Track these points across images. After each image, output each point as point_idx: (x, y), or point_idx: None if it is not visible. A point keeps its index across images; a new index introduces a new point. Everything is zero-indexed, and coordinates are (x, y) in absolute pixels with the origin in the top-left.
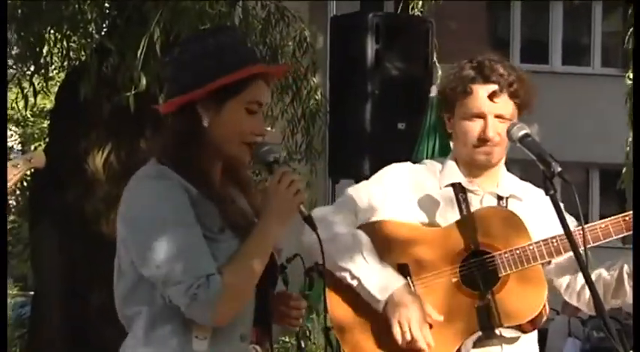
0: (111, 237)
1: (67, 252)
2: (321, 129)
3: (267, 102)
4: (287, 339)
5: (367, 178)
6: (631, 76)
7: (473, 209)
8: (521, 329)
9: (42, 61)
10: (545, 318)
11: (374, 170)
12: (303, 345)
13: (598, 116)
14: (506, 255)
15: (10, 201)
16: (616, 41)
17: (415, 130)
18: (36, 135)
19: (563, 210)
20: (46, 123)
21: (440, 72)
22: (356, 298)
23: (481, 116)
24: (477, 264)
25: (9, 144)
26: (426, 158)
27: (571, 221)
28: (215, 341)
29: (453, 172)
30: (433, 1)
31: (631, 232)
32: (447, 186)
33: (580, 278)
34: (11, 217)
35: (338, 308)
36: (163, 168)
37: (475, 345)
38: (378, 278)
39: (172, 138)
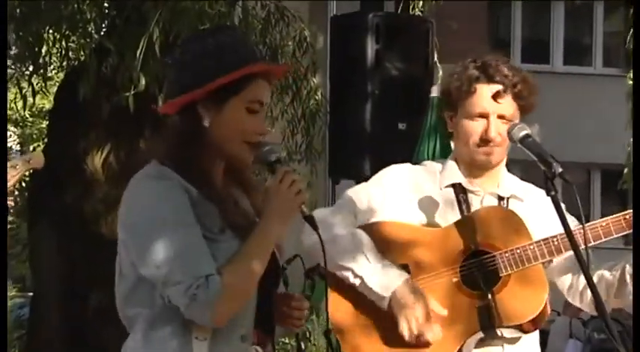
0: (110, 237)
1: (66, 253)
2: (321, 129)
3: (268, 102)
4: (287, 341)
5: (367, 179)
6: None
7: (473, 209)
8: (522, 329)
9: (41, 60)
10: (546, 318)
11: (374, 170)
12: (303, 347)
13: (599, 116)
14: (506, 255)
15: (9, 202)
16: (617, 41)
17: (416, 131)
18: (35, 136)
19: (565, 211)
20: (44, 124)
21: (441, 72)
22: (356, 300)
23: (484, 116)
24: (478, 264)
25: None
26: (427, 158)
27: (572, 221)
28: (215, 342)
29: (453, 172)
30: (433, 1)
31: (632, 230)
32: (447, 186)
33: (582, 279)
34: (10, 218)
35: (338, 309)
36: (163, 169)
37: (476, 345)
38: (381, 275)
39: (173, 138)
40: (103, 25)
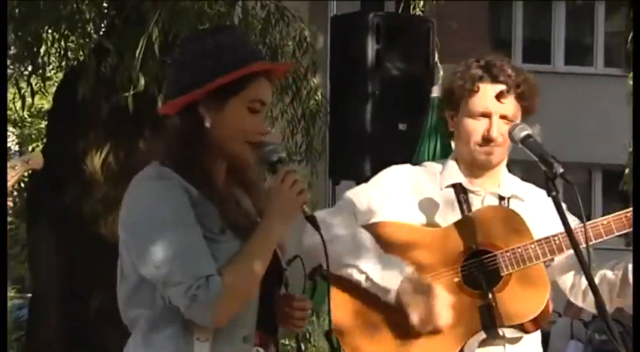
0: (109, 238)
1: (65, 254)
2: (321, 129)
3: (269, 101)
4: (287, 342)
5: (368, 179)
6: None
7: (474, 209)
8: (524, 329)
9: (39, 60)
10: (549, 318)
11: (375, 171)
12: (303, 348)
13: (600, 116)
14: (507, 254)
15: (8, 203)
16: (619, 41)
17: (416, 131)
18: (33, 136)
19: (566, 211)
20: (43, 124)
21: (441, 72)
22: (356, 301)
23: (487, 115)
24: (479, 264)
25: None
26: (427, 159)
27: (573, 221)
28: (217, 343)
29: (453, 172)
30: (434, 1)
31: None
32: (447, 186)
33: (585, 279)
34: (9, 218)
35: (338, 311)
36: (164, 169)
37: (478, 345)
38: (386, 269)
39: (174, 139)
40: (102, 25)
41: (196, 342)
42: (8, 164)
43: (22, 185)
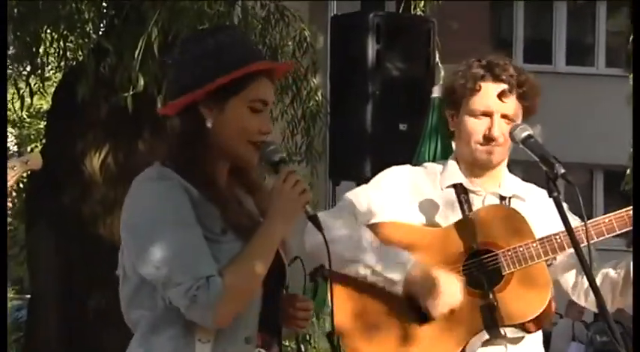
0: (108, 238)
1: (64, 254)
2: (321, 130)
3: (272, 101)
4: (287, 343)
5: (368, 180)
6: None
7: (475, 209)
8: (525, 328)
9: (38, 61)
10: (551, 318)
11: (375, 172)
12: (303, 349)
13: (602, 117)
14: (509, 253)
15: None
16: (620, 41)
17: (417, 131)
18: (32, 137)
19: (567, 210)
20: (42, 124)
21: (442, 72)
22: (356, 303)
23: (488, 114)
24: (480, 263)
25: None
26: (428, 160)
27: (575, 221)
28: (219, 344)
29: (454, 172)
30: (435, 1)
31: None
32: (448, 187)
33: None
34: (7, 219)
35: (338, 313)
36: (164, 170)
37: (480, 345)
38: (391, 260)
39: (175, 139)
40: (101, 25)
41: (198, 343)
42: (7, 164)
43: (21, 186)
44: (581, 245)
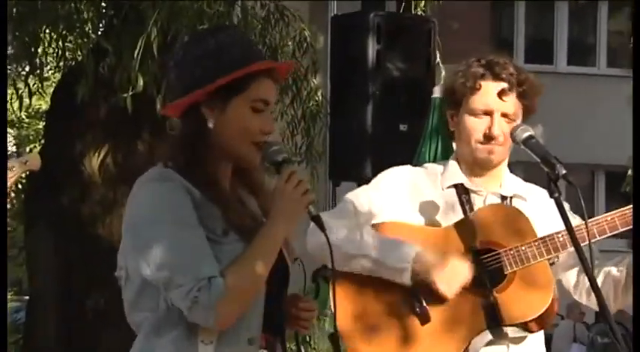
0: (107, 239)
1: (63, 255)
2: (321, 130)
3: (274, 101)
4: (287, 344)
5: (369, 181)
6: None
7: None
8: (528, 328)
9: (37, 61)
10: (553, 317)
11: (375, 172)
12: (303, 350)
13: (603, 117)
14: (511, 252)
15: None
16: (622, 41)
17: (417, 132)
18: (31, 137)
19: (569, 210)
20: (41, 125)
21: (443, 72)
22: (356, 304)
23: (488, 113)
24: (483, 262)
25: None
26: (429, 160)
27: (575, 219)
28: (221, 345)
29: (454, 173)
30: (435, 1)
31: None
32: (449, 187)
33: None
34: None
35: (338, 314)
36: (166, 171)
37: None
38: (396, 250)
39: (177, 140)
40: (101, 25)
41: (200, 345)
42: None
43: (20, 186)
44: (584, 244)
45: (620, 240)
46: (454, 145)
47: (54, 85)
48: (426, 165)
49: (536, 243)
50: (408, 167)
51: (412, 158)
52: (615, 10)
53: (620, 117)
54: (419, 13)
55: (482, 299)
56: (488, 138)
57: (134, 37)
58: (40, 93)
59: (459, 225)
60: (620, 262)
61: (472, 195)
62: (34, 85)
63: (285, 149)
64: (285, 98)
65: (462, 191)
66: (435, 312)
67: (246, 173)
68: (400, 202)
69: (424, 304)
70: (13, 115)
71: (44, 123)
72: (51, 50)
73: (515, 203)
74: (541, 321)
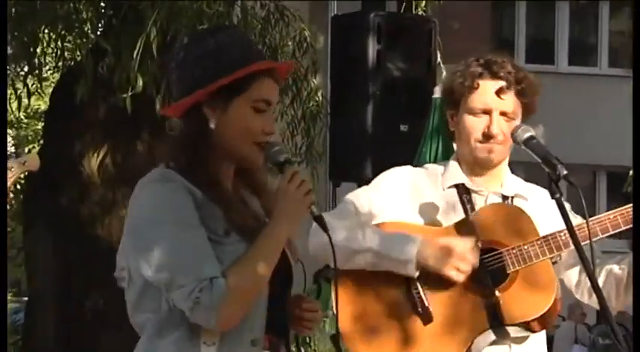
0: (106, 239)
1: (62, 256)
2: (321, 131)
3: (275, 101)
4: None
5: (369, 181)
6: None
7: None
8: (530, 328)
9: (36, 61)
10: (556, 317)
11: (376, 173)
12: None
13: (605, 117)
14: (514, 251)
15: None
16: (623, 41)
17: (418, 132)
18: (30, 138)
19: (570, 210)
20: (40, 125)
21: (444, 72)
22: (356, 306)
23: (487, 112)
24: (485, 262)
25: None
26: (429, 161)
27: (577, 218)
28: (224, 346)
29: (455, 173)
30: (436, 1)
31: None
32: (450, 187)
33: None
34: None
35: (338, 315)
36: (168, 172)
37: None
38: (399, 242)
39: (179, 141)
40: (100, 25)
41: (203, 346)
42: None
43: (19, 187)
44: (584, 243)
45: (620, 240)
46: (455, 146)
47: (53, 85)
48: (426, 165)
49: (539, 242)
50: (409, 167)
51: (413, 158)
52: (616, 10)
53: (621, 118)
54: (419, 13)
55: (484, 298)
56: (487, 136)
57: (133, 37)
58: (39, 93)
59: (459, 225)
60: (622, 260)
61: (473, 195)
62: (32, 85)
63: (286, 149)
64: (285, 98)
65: (463, 191)
66: (436, 313)
67: (249, 173)
68: (401, 203)
69: (426, 303)
70: (12, 116)
71: (43, 124)
72: (50, 50)
73: (517, 203)
74: (543, 321)
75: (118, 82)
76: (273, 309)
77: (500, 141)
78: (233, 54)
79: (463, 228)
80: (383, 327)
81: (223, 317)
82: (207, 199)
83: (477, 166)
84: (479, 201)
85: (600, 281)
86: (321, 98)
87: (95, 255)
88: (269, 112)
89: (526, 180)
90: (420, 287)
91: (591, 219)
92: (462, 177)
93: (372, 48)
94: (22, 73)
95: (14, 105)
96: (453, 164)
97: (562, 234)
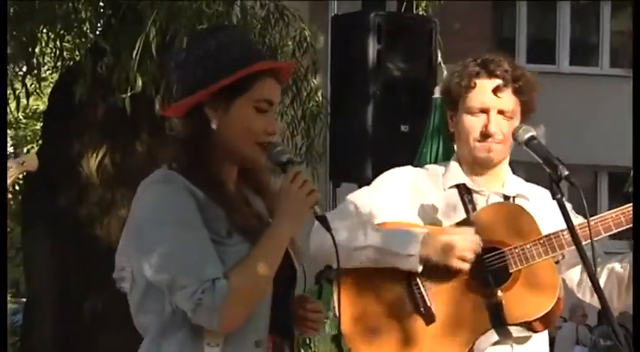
0: (105, 240)
1: (61, 257)
2: (321, 131)
3: (277, 101)
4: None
5: (369, 182)
6: None
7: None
8: (532, 328)
9: (34, 61)
10: (558, 317)
11: (376, 173)
12: None
13: (606, 118)
14: (516, 251)
15: None
16: (625, 41)
17: (419, 133)
18: (28, 138)
19: (571, 210)
20: (38, 125)
21: (445, 72)
22: (357, 307)
23: (484, 110)
24: (487, 261)
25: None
26: (430, 161)
27: (578, 218)
28: (227, 348)
29: (456, 173)
30: (436, 1)
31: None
32: (451, 187)
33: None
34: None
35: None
36: (170, 173)
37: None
38: (401, 238)
39: (181, 141)
40: (99, 25)
41: (206, 347)
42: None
43: (17, 187)
44: (586, 242)
45: (621, 241)
46: (455, 146)
47: (51, 85)
48: (427, 166)
49: (541, 241)
50: (409, 168)
51: (413, 159)
52: (618, 10)
53: (623, 118)
54: (420, 12)
55: (486, 298)
56: (485, 135)
57: (132, 36)
58: (38, 93)
59: (460, 225)
60: (624, 259)
61: (475, 195)
62: (31, 85)
63: (289, 149)
64: (285, 98)
65: (464, 191)
66: (438, 313)
67: (252, 173)
68: (401, 203)
69: (429, 303)
70: (11, 116)
71: (41, 124)
72: (48, 50)
73: (518, 203)
74: (546, 321)
75: (117, 82)
76: (277, 310)
77: (499, 140)
78: (234, 54)
79: (470, 227)
80: (383, 328)
81: (225, 318)
82: (209, 200)
83: (477, 166)
84: (480, 201)
85: (602, 280)
86: (321, 98)
87: (94, 256)
88: (271, 112)
89: (527, 180)
90: (421, 286)
91: (594, 217)
92: (462, 178)
93: (373, 48)
94: (21, 73)
95: (13, 105)
96: (453, 165)
97: (565, 233)
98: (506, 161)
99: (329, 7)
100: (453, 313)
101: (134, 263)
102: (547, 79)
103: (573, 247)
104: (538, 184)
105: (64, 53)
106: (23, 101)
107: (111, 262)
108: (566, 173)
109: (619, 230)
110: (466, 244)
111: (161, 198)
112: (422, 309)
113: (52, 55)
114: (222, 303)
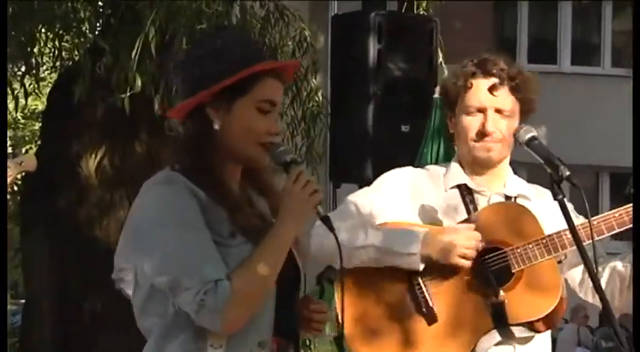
0: (104, 241)
1: (60, 258)
2: (321, 131)
3: (280, 101)
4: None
5: (370, 182)
6: None
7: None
8: (534, 328)
9: (33, 61)
10: (561, 318)
11: (376, 174)
12: None
13: (608, 118)
14: (518, 251)
15: None
16: (627, 41)
17: (419, 133)
18: (27, 138)
19: (573, 211)
20: (37, 126)
21: (446, 73)
22: (357, 308)
23: (481, 110)
24: (489, 261)
25: None
26: (431, 161)
27: (580, 219)
28: (231, 349)
29: (457, 174)
30: (438, 1)
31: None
32: (452, 188)
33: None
34: None
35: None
36: (172, 174)
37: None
38: (402, 236)
39: (183, 142)
40: (98, 25)
41: (210, 349)
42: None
43: (16, 188)
44: (587, 243)
45: (621, 242)
46: (456, 148)
47: (50, 85)
48: (428, 166)
49: (544, 241)
50: (410, 168)
51: (414, 159)
52: (620, 10)
53: (624, 118)
54: (421, 12)
55: (488, 298)
56: (483, 134)
57: (131, 36)
58: (37, 93)
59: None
60: (626, 258)
61: (476, 196)
62: (30, 85)
63: (291, 149)
64: (285, 98)
65: (465, 191)
66: (439, 313)
67: (256, 174)
68: (402, 204)
69: (430, 303)
70: (9, 116)
71: (40, 124)
72: (47, 50)
73: (520, 202)
74: (548, 321)
75: (116, 82)
76: (282, 311)
77: (498, 138)
78: (235, 54)
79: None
80: (384, 329)
81: (228, 319)
82: (211, 201)
83: (478, 166)
84: (481, 202)
85: (604, 279)
86: (321, 98)
87: (93, 257)
88: (273, 113)
89: (528, 180)
90: (423, 286)
91: (596, 217)
92: (464, 178)
93: (373, 48)
94: (20, 73)
95: (11, 105)
96: (454, 165)
97: (567, 232)
98: (507, 161)
99: (329, 6)
100: (454, 313)
101: (137, 265)
102: (548, 79)
103: (575, 247)
104: (540, 185)
105: (63, 53)
106: (22, 101)
107: (110, 263)
108: (568, 173)
109: (622, 229)
110: (467, 242)
111: (163, 199)
112: (424, 309)
113: (51, 54)
114: (225, 304)
